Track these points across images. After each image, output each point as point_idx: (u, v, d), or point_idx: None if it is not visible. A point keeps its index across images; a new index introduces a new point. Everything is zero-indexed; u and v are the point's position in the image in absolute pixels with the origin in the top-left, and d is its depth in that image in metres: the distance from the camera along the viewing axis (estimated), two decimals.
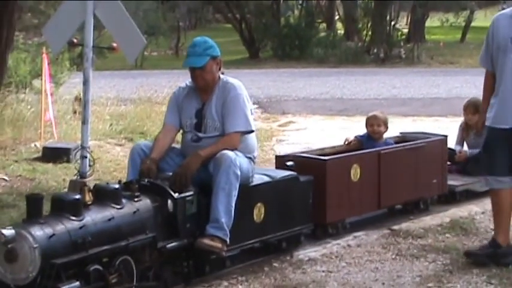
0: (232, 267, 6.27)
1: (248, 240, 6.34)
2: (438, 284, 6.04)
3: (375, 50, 28.40)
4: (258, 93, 19.52)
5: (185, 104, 6.38)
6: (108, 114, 14.14)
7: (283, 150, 11.55)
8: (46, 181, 9.58)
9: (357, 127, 13.58)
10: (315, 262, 6.57)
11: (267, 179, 6.55)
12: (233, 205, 5.98)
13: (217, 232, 5.92)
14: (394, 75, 23.37)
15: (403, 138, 8.36)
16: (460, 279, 6.11)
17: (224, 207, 5.93)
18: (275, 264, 6.49)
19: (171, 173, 6.00)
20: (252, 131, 6.37)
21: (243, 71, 25.36)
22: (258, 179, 6.45)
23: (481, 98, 9.07)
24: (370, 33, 30.06)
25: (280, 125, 14.81)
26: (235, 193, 5.99)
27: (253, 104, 17.54)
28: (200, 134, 6.29)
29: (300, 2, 35.21)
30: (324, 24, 34.91)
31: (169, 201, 5.81)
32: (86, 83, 8.25)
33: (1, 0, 9.06)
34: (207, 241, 5.88)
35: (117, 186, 5.66)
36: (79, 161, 8.39)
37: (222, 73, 6.42)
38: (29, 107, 13.51)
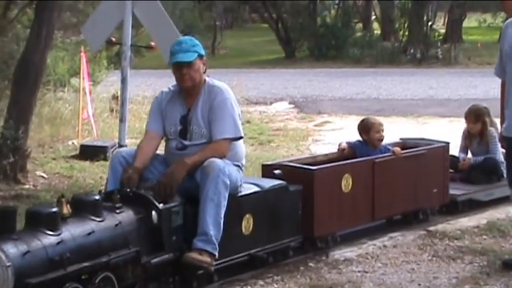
0: (220, 281, 5.92)
1: (236, 253, 5.96)
2: (475, 286, 6.00)
3: (412, 51, 28.25)
4: (294, 93, 19.55)
5: (169, 110, 5.96)
6: (145, 113, 14.21)
7: (319, 150, 11.57)
8: (83, 179, 9.67)
9: (393, 128, 13.53)
10: (350, 262, 6.55)
11: (255, 188, 6.14)
12: (222, 217, 5.62)
13: (206, 246, 5.56)
14: (431, 75, 23.25)
15: (403, 144, 7.85)
16: (498, 282, 6.06)
17: (213, 219, 5.56)
18: (311, 264, 6.48)
19: (155, 182, 5.61)
20: (241, 137, 5.98)
21: (279, 71, 25.43)
22: (246, 188, 6.04)
23: (482, 104, 8.96)
24: (407, 33, 29.93)
25: (316, 125, 14.81)
26: (224, 204, 5.61)
27: (289, 103, 17.75)
28: (185, 142, 5.88)
29: (337, 1, 35.18)
30: (361, 24, 34.85)
31: (153, 213, 5.39)
32: (123, 81, 8.31)
33: None
34: (195, 255, 5.53)
35: (97, 197, 5.24)
36: None
37: (207, 76, 6.01)
38: (67, 105, 13.66)
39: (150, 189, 5.51)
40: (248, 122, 14.77)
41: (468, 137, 8.81)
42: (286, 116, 16.10)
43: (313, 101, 18.31)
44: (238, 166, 5.96)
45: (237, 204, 5.88)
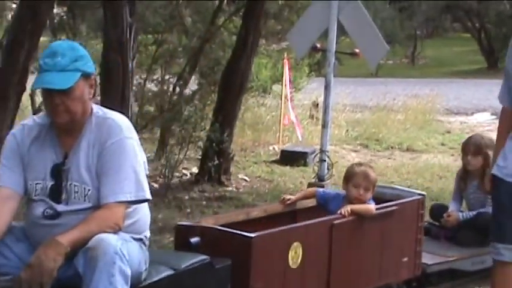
0: None
1: None
2: None
3: None
4: (496, 104, 18.90)
5: (34, 155, 3.79)
6: (344, 120, 14.32)
7: None
8: (284, 183, 9.84)
9: None
10: None
11: (166, 271, 3.96)
12: None
13: None
14: None
15: None
16: None
17: None
18: None
19: (11, 277, 3.55)
20: (146, 200, 3.82)
21: (481, 81, 24.84)
22: (153, 273, 3.89)
23: (487, 135, 7.31)
24: None
25: None
26: None
27: (491, 114, 17.30)
28: (59, 207, 3.71)
29: None
30: None
31: None
32: (327, 87, 8.38)
33: (250, 4, 9.45)
34: None
35: None
36: (317, 164, 8.54)
37: (97, 103, 4.02)
38: (268, 111, 13.95)
39: None
40: (448, 132, 14.56)
41: (464, 179, 6.76)
42: (488, 127, 15.67)
43: None
44: (141, 241, 3.89)
45: None
